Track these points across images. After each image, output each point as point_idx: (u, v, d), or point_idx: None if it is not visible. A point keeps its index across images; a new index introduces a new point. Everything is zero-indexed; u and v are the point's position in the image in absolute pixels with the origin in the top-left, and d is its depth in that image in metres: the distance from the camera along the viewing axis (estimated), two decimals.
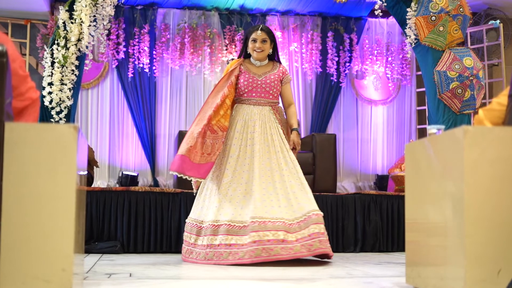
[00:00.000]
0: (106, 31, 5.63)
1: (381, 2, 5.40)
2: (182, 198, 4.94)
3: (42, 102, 4.87)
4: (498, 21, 6.87)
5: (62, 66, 4.89)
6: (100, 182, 6.78)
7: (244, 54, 4.31)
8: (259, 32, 4.18)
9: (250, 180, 3.98)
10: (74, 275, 2.28)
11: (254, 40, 4.18)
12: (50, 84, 4.88)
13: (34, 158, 2.05)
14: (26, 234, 2.01)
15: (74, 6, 4.93)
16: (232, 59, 7.06)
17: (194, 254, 3.98)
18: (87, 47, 4.97)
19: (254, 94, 4.19)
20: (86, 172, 2.78)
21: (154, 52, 6.97)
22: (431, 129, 2.46)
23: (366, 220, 5.25)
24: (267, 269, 3.50)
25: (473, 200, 2.10)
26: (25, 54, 6.91)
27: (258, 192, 3.90)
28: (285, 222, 3.82)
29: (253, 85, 4.19)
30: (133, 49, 6.91)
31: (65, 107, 4.88)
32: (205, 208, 4.05)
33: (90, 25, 4.94)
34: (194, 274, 3.28)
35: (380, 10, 5.42)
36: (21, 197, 2.02)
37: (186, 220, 4.20)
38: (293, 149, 4.19)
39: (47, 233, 2.03)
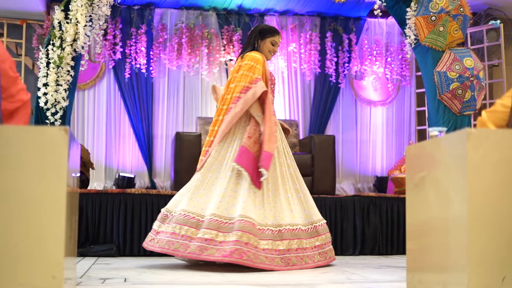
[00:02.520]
0: (102, 31, 5.57)
1: (380, 2, 5.34)
2: None
3: (37, 103, 4.81)
4: (498, 21, 6.81)
5: (58, 66, 4.82)
6: (97, 183, 6.71)
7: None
8: (279, 38, 4.16)
9: (296, 180, 4.01)
10: (67, 281, 2.22)
11: (274, 44, 4.13)
12: (45, 85, 4.81)
13: (23, 161, 1.98)
14: (14, 240, 1.94)
15: (70, 6, 4.86)
16: (231, 60, 7.01)
17: (257, 257, 3.53)
18: (82, 47, 4.90)
19: (273, 94, 4.16)
20: (78, 175, 2.72)
21: (151, 53, 6.91)
22: (433, 131, 2.40)
23: (366, 222, 5.19)
24: (264, 274, 3.43)
25: (476, 204, 2.03)
26: (20, 55, 6.85)
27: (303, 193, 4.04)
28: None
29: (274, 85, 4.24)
30: (130, 50, 6.85)
31: (60, 108, 4.82)
32: (258, 208, 3.72)
33: (85, 25, 4.88)
34: (190, 279, 3.22)
35: (379, 10, 5.36)
36: (9, 201, 1.96)
37: (242, 218, 3.58)
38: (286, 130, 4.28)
39: (37, 238, 1.97)
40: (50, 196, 1.99)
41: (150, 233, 3.95)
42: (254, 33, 4.15)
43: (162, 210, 4.00)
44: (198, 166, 4.04)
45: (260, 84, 3.88)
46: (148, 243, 3.89)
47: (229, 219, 3.61)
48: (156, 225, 3.94)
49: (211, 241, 3.56)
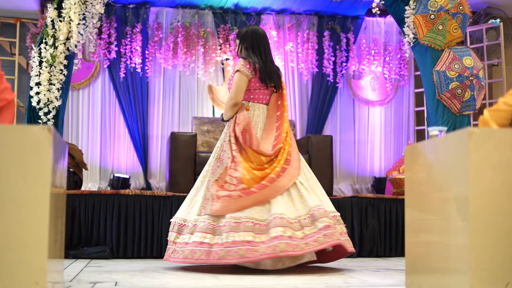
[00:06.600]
0: (96, 30, 5.48)
1: (378, 1, 5.27)
2: (173, 202, 4.79)
3: (30, 102, 4.72)
4: (498, 20, 6.74)
5: (50, 65, 4.74)
6: (91, 184, 6.63)
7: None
8: None
9: None
10: (54, 285, 2.14)
11: None
12: (38, 84, 4.72)
13: (5, 161, 1.90)
14: None
15: (63, 4, 4.79)
16: (227, 59, 6.93)
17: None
18: (76, 46, 4.82)
19: None
20: (66, 175, 2.63)
21: (146, 52, 6.83)
22: (433, 131, 2.32)
23: (363, 224, 5.11)
24: (259, 277, 3.35)
25: (479, 207, 1.95)
26: (14, 54, 6.77)
27: None
28: None
29: None
30: (125, 49, 6.77)
31: (53, 108, 4.73)
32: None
33: (79, 24, 4.80)
34: (183, 283, 3.13)
35: (377, 9, 5.29)
36: None
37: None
38: None
39: (19, 243, 1.88)
40: (32, 197, 1.91)
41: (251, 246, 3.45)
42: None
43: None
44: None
45: None
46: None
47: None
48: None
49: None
